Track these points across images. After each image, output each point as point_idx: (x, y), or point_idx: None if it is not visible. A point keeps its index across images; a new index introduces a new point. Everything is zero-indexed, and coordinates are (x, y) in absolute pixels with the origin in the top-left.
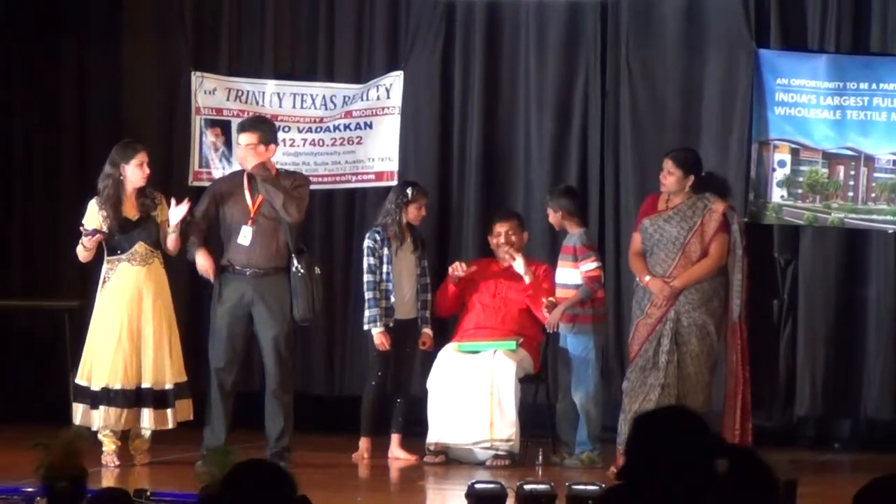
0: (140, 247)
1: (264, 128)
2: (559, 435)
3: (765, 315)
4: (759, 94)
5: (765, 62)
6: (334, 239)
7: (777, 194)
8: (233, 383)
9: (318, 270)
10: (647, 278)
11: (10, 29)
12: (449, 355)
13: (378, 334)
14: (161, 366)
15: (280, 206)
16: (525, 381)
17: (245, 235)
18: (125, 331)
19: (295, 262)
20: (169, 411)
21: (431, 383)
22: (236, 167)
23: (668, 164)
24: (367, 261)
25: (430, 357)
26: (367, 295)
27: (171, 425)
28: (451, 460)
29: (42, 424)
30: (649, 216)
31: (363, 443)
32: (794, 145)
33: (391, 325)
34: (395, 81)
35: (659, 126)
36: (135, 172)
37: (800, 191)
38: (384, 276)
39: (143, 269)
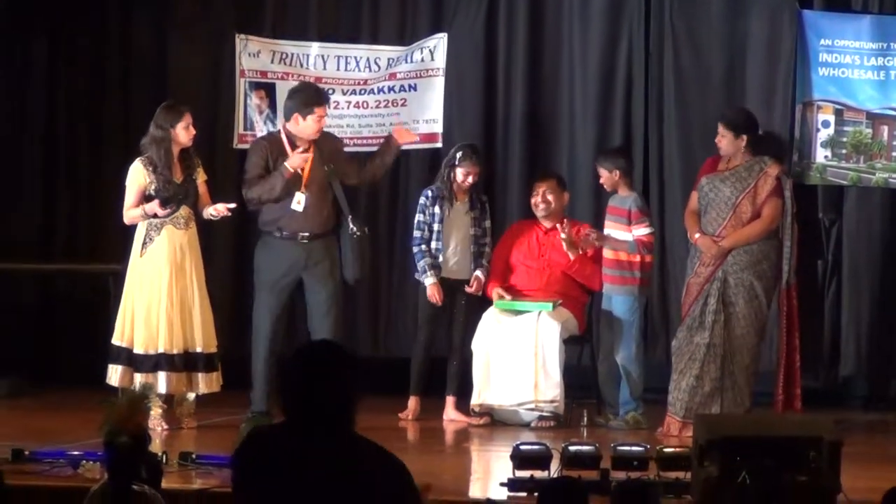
0: (184, 210)
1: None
2: (603, 396)
3: (809, 276)
4: (803, 55)
5: (808, 23)
6: (379, 200)
7: (821, 155)
8: (277, 347)
9: (366, 230)
10: (697, 236)
11: None
12: (493, 317)
13: (430, 286)
14: (209, 329)
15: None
16: (569, 343)
17: (299, 202)
18: (173, 293)
19: (350, 224)
20: (215, 374)
21: (476, 345)
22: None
23: (720, 128)
24: (416, 217)
25: (478, 319)
26: (414, 249)
27: (216, 388)
28: (496, 422)
29: (85, 388)
30: (707, 175)
31: (411, 402)
32: (837, 106)
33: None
34: (439, 43)
35: (703, 88)
36: (182, 134)
37: (844, 151)
38: (434, 235)
39: (186, 233)
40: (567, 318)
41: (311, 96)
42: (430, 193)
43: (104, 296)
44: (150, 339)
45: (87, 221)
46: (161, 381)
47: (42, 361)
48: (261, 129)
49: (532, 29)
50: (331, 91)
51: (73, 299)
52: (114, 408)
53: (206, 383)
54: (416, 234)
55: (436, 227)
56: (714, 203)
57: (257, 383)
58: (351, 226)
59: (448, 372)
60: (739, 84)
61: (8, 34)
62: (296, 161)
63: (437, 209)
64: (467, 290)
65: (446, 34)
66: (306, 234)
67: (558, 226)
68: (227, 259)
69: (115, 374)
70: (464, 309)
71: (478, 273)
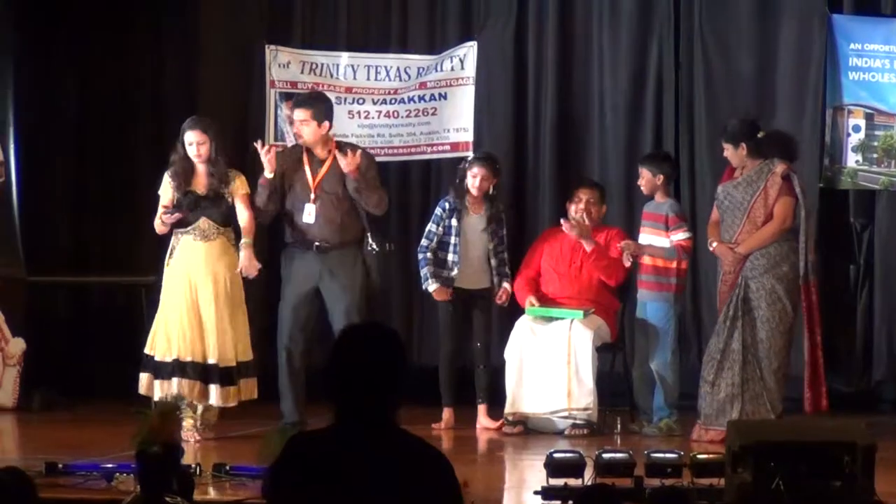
0: (204, 222)
1: (318, 104)
2: (637, 403)
3: (841, 280)
4: (833, 60)
5: (838, 27)
6: (410, 210)
7: (852, 159)
8: (301, 359)
9: (391, 246)
10: (715, 244)
11: (86, 4)
12: (525, 325)
13: (435, 291)
14: (224, 342)
15: (373, 207)
16: (602, 350)
17: (309, 213)
18: (187, 304)
19: (369, 239)
20: (233, 388)
21: (508, 353)
22: None
23: (722, 143)
24: (428, 226)
25: (509, 328)
26: (419, 256)
27: (233, 403)
28: (530, 430)
29: (119, 401)
30: (723, 184)
31: (445, 413)
32: (868, 110)
33: (450, 294)
34: (469, 52)
35: (733, 94)
36: (187, 149)
37: (875, 155)
38: (449, 248)
39: (205, 245)
40: (599, 325)
41: None
42: (446, 205)
43: (138, 308)
44: (167, 347)
45: (121, 233)
46: (174, 387)
47: (76, 374)
48: (291, 140)
49: (561, 36)
50: (361, 101)
51: (107, 311)
52: (146, 419)
53: (221, 397)
54: (424, 241)
55: (452, 239)
56: (729, 210)
57: (284, 394)
58: (370, 241)
59: (476, 381)
60: (769, 89)
61: (36, 47)
62: (266, 167)
63: (453, 221)
64: (497, 302)
65: (476, 43)
66: (320, 244)
67: (563, 224)
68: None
69: (142, 382)
70: (483, 319)
71: (505, 285)
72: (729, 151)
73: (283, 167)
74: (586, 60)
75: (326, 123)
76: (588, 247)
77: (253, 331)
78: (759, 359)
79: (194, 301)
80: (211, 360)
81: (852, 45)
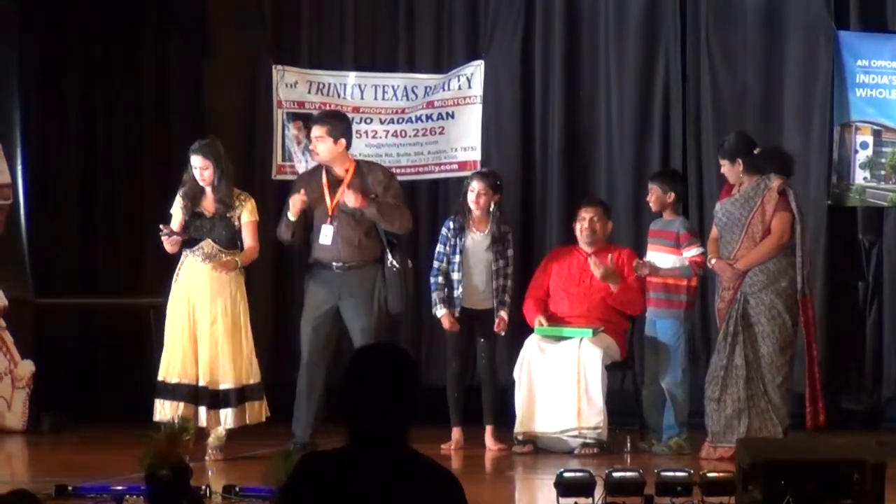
0: (208, 244)
1: (334, 122)
2: (647, 421)
3: (850, 297)
4: (840, 76)
5: (845, 44)
6: (418, 229)
7: (860, 176)
8: (321, 378)
9: (410, 264)
10: (714, 261)
11: (93, 25)
12: (534, 344)
13: (443, 317)
14: (216, 365)
15: (397, 229)
16: (612, 368)
17: (326, 234)
18: (185, 325)
19: (389, 256)
20: (227, 412)
21: (517, 373)
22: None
23: (719, 159)
24: (437, 247)
25: (516, 347)
26: (431, 280)
27: (228, 426)
28: (540, 449)
29: (127, 423)
30: (721, 201)
31: (454, 433)
32: (875, 127)
33: (456, 314)
34: (476, 70)
35: (740, 109)
36: (193, 172)
37: (882, 172)
38: (453, 266)
39: (207, 266)
40: (609, 343)
41: None
42: (451, 224)
43: (146, 329)
44: (168, 369)
45: (128, 255)
46: (166, 409)
47: (85, 396)
48: (299, 160)
49: (568, 53)
50: (368, 120)
51: (115, 333)
52: (152, 442)
53: (208, 419)
54: (435, 264)
55: (456, 258)
56: (727, 226)
57: (299, 414)
58: (390, 259)
59: (483, 401)
60: (777, 106)
61: (44, 71)
62: (294, 206)
63: (457, 240)
64: (495, 329)
65: (483, 61)
66: (339, 264)
67: (591, 263)
68: (267, 291)
69: (156, 408)
70: (488, 338)
71: (502, 314)
72: (726, 167)
73: (308, 194)
74: (593, 76)
75: (343, 141)
76: (615, 288)
77: (263, 349)
78: (762, 374)
79: (192, 322)
80: (201, 383)
81: (859, 62)
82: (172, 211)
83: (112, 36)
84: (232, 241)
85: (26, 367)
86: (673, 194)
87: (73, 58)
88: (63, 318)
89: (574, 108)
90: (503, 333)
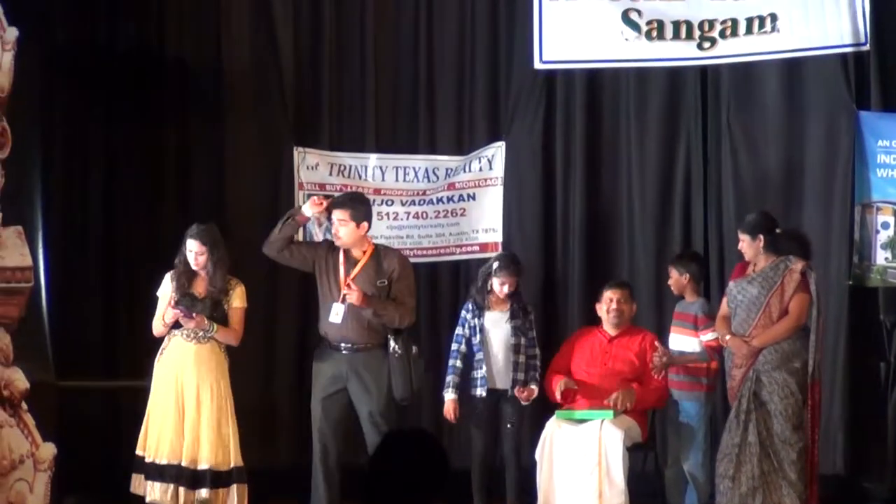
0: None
1: (357, 205)
2: (669, 502)
3: (872, 378)
4: (861, 157)
5: (866, 123)
6: (439, 311)
7: (881, 256)
8: (334, 457)
9: (415, 349)
10: (728, 337)
11: (115, 108)
12: (555, 425)
13: (449, 401)
14: (198, 446)
15: (397, 325)
16: (633, 450)
17: (336, 313)
18: (171, 405)
19: (392, 342)
20: (202, 491)
21: (539, 454)
22: None
23: (739, 234)
24: (456, 329)
25: (539, 427)
26: (449, 361)
27: None
28: None
29: None
30: (736, 279)
31: None
32: None
33: (483, 394)
34: (497, 152)
35: (761, 191)
36: (188, 255)
37: None
38: (476, 347)
39: (195, 347)
40: (630, 425)
41: None
42: (471, 306)
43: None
44: (151, 448)
45: (150, 337)
46: (156, 490)
47: (108, 479)
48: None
49: (589, 135)
50: (389, 202)
51: (137, 416)
52: None
53: (185, 500)
54: (454, 346)
55: (476, 338)
56: (743, 304)
57: (315, 496)
58: (392, 344)
59: (506, 482)
60: (798, 186)
61: (64, 151)
62: (308, 209)
63: (476, 321)
64: (516, 393)
65: (504, 143)
66: (348, 344)
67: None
68: (287, 370)
69: (133, 482)
70: (511, 418)
71: (532, 386)
72: (745, 243)
73: (318, 256)
74: (614, 159)
75: (365, 224)
76: (630, 406)
77: (281, 429)
78: (775, 451)
79: (180, 402)
80: (183, 463)
81: (880, 142)
82: (159, 293)
83: (133, 118)
84: (220, 323)
85: (48, 450)
86: (689, 276)
87: (94, 141)
88: (85, 400)
89: (595, 189)
90: (527, 403)
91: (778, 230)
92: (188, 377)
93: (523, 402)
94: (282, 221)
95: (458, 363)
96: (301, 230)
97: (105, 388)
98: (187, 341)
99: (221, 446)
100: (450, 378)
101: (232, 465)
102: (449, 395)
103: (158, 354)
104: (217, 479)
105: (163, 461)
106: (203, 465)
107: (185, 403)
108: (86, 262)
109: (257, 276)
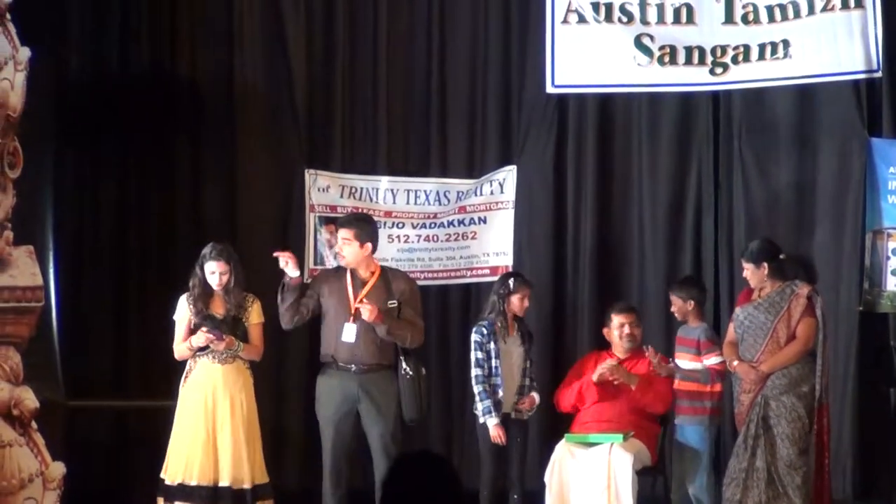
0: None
1: (362, 225)
2: None
3: (881, 403)
4: (872, 183)
5: (877, 150)
6: (450, 334)
7: (892, 283)
8: (344, 479)
9: (423, 371)
10: (736, 363)
11: (127, 129)
12: (564, 449)
13: (494, 426)
14: (239, 465)
15: (408, 344)
16: (643, 474)
17: (349, 332)
18: (202, 427)
19: (403, 363)
20: None
21: (548, 477)
22: None
23: (742, 262)
24: (474, 355)
25: (548, 451)
26: (477, 389)
27: None
28: None
29: None
30: (742, 305)
31: None
32: None
33: (499, 418)
34: (508, 176)
35: (772, 217)
36: (209, 277)
37: None
38: (493, 371)
39: (221, 368)
40: (639, 448)
41: None
42: (484, 330)
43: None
44: (178, 471)
45: (160, 357)
46: None
47: (117, 498)
48: (330, 264)
49: (601, 160)
50: (400, 225)
51: (147, 436)
52: None
53: None
54: (477, 371)
55: (494, 362)
56: (750, 330)
57: None
58: (403, 366)
59: None
60: (809, 212)
61: (75, 173)
62: (292, 272)
63: (492, 344)
64: (520, 406)
65: (515, 166)
66: (358, 365)
67: (605, 371)
68: (298, 392)
69: None
70: (519, 442)
71: (534, 395)
72: (749, 271)
73: (320, 286)
74: (626, 184)
75: (369, 245)
76: (634, 386)
77: (294, 451)
78: (780, 475)
79: (209, 423)
80: (224, 483)
81: (892, 169)
82: (176, 318)
83: (145, 139)
84: (244, 340)
85: (57, 469)
86: (692, 302)
87: (105, 162)
88: (95, 420)
89: (606, 214)
90: (531, 412)
91: (782, 255)
92: (220, 398)
93: (526, 412)
94: (280, 294)
95: (488, 387)
96: (313, 253)
97: (115, 407)
98: (214, 363)
99: (258, 463)
100: (488, 403)
101: (263, 480)
102: (493, 421)
103: (183, 378)
104: (254, 495)
105: (192, 482)
106: (246, 485)
107: (218, 424)
108: (96, 281)
109: (268, 299)
